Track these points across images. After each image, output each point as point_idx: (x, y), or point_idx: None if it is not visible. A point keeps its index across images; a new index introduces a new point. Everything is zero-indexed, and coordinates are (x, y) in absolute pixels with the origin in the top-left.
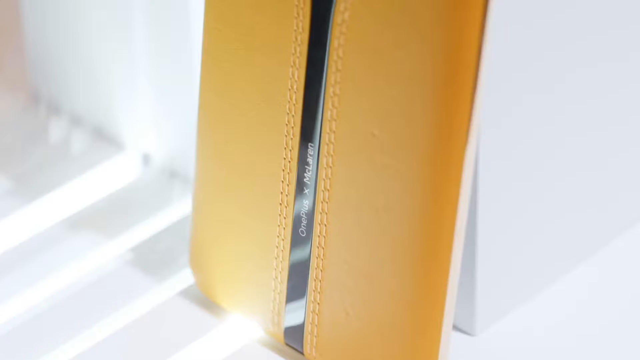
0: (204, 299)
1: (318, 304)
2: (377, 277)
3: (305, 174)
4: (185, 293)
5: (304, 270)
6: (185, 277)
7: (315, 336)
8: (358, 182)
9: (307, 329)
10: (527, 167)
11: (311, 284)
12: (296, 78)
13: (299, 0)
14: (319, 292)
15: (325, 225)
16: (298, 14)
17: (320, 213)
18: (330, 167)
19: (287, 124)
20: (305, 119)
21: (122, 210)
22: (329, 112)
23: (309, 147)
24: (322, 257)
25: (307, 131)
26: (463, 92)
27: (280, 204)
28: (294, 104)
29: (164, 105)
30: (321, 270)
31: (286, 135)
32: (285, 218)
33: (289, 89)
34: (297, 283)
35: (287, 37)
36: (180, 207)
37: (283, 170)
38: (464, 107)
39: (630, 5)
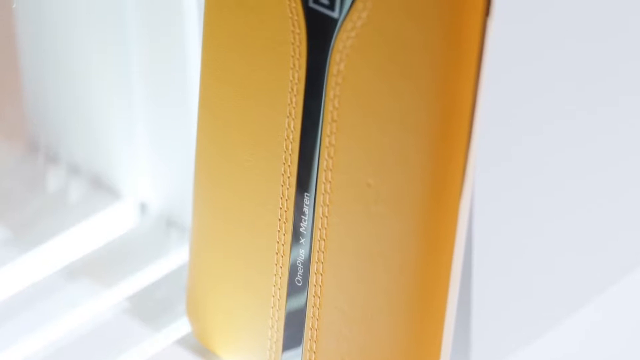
0: (201, 347)
1: (314, 352)
2: (373, 325)
3: (301, 224)
4: (182, 342)
5: (300, 319)
6: (182, 326)
7: None
8: (354, 231)
9: None
10: (523, 211)
11: (307, 333)
12: (292, 128)
13: (295, 51)
14: (315, 341)
15: (322, 274)
16: (294, 64)
17: (317, 262)
18: (326, 216)
19: (283, 174)
20: (302, 169)
21: (119, 258)
22: (324, 162)
23: (305, 196)
24: (318, 306)
25: (303, 181)
26: (458, 141)
27: (277, 253)
28: (290, 154)
29: (161, 154)
30: (317, 319)
31: (282, 185)
32: (281, 267)
33: (285, 139)
34: (294, 332)
35: (283, 87)
36: (177, 255)
37: (279, 219)
38: (459, 157)
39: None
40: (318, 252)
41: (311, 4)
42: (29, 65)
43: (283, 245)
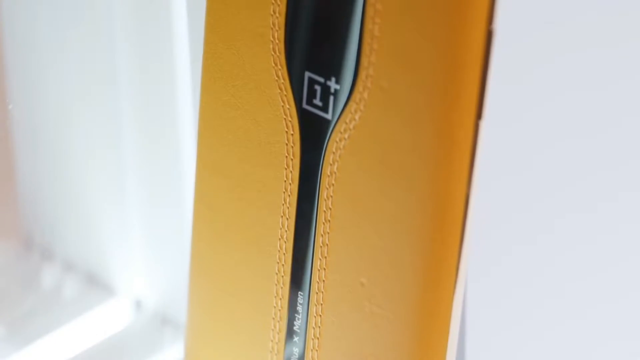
0: None
1: None
2: None
3: (295, 322)
4: None
5: None
6: None
7: None
8: (348, 330)
9: None
10: (515, 313)
11: None
12: (286, 228)
13: (289, 152)
14: None
15: None
16: (288, 165)
17: None
18: (320, 315)
19: (277, 273)
20: (295, 268)
21: (114, 356)
22: (318, 262)
23: (299, 295)
24: None
25: (297, 280)
26: (451, 242)
27: (271, 351)
28: (284, 253)
29: (155, 251)
30: None
31: (276, 284)
32: None
33: (279, 239)
34: None
35: (277, 187)
36: (172, 353)
37: (273, 318)
38: (452, 257)
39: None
40: (312, 350)
41: (305, 106)
42: (24, 164)
43: (277, 343)
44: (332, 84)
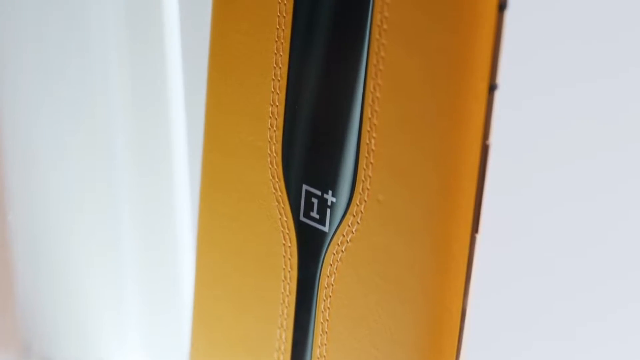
0: None
1: None
2: None
3: None
4: None
5: None
6: None
7: None
8: None
9: None
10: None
11: None
12: (284, 339)
13: (286, 264)
14: None
15: None
16: (285, 276)
17: None
18: None
19: None
20: None
21: None
22: None
23: None
24: None
25: None
26: (447, 355)
27: None
28: None
29: (153, 357)
30: None
31: None
32: None
33: (277, 350)
34: None
35: (274, 299)
36: None
37: None
38: None
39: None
40: None
41: (302, 218)
42: (23, 272)
43: None
44: (329, 197)
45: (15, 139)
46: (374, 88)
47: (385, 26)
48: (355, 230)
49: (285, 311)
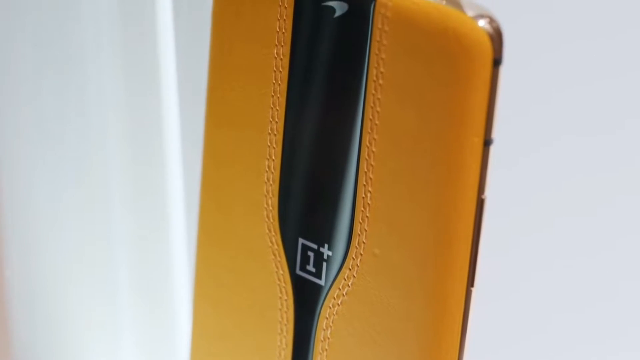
0: None
1: None
2: None
3: None
4: None
5: None
6: None
7: None
8: None
9: None
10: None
11: None
12: None
13: (282, 317)
14: None
15: None
16: (281, 330)
17: None
18: None
19: None
20: None
21: None
22: None
23: None
24: None
25: None
26: None
27: None
28: None
29: None
30: None
31: None
32: None
33: None
34: None
35: (271, 353)
36: None
37: None
38: None
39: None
40: None
41: (298, 272)
42: (20, 329)
43: None
44: (326, 250)
45: (14, 198)
46: (370, 142)
47: (381, 81)
48: (352, 284)
49: None
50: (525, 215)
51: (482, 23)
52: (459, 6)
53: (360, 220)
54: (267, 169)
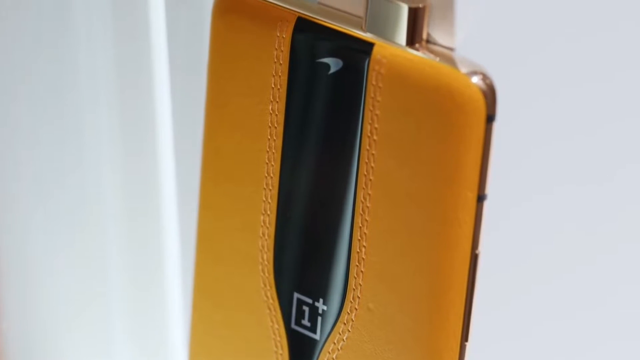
0: None
1: None
2: None
3: None
4: None
5: None
6: None
7: None
8: None
9: None
10: None
11: None
12: None
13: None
14: None
15: None
16: None
17: None
18: None
19: None
20: None
21: None
22: None
23: None
24: None
25: None
26: None
27: None
28: None
29: None
30: None
31: None
32: None
33: None
34: None
35: None
36: None
37: None
38: None
39: None
40: None
41: (293, 326)
42: None
43: None
44: (321, 305)
45: (10, 248)
46: (364, 197)
47: (375, 137)
48: (346, 338)
49: None
50: (521, 269)
51: (475, 80)
52: (452, 62)
53: (355, 275)
54: (262, 224)
